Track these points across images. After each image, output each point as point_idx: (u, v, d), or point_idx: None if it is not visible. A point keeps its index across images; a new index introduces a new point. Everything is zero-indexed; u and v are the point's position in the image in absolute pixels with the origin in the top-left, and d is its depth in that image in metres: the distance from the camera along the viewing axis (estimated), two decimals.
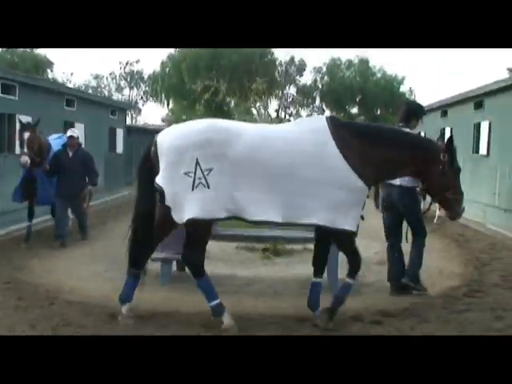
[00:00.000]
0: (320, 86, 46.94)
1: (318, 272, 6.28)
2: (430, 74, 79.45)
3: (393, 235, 7.61)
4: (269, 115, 69.09)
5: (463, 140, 15.98)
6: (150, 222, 5.99)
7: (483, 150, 16.20)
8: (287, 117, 70.56)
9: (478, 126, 16.77)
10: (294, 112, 69.12)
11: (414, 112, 7.51)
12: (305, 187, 5.61)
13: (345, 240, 6.04)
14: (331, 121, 5.91)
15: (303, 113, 67.92)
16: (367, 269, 8.66)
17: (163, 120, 66.63)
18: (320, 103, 48.67)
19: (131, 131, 26.30)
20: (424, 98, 71.83)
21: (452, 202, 6.23)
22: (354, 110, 45.12)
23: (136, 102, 69.13)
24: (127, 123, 40.61)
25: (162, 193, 5.56)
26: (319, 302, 6.18)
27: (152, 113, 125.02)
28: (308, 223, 5.81)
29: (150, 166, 5.78)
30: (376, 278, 8.10)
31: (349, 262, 6.11)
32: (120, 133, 22.63)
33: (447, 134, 16.83)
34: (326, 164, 5.64)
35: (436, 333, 5.65)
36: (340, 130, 5.84)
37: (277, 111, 73.59)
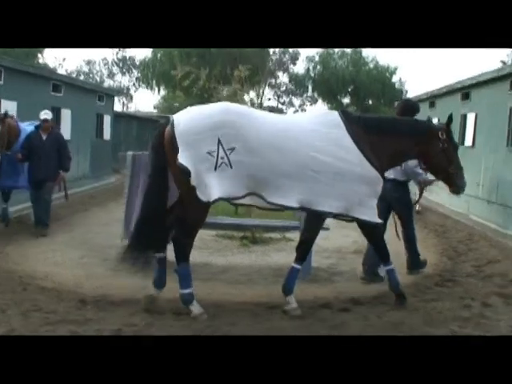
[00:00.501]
0: (312, 76, 46.89)
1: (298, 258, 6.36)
2: (422, 64, 79.44)
3: None
4: (260, 104, 68.83)
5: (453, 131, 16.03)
6: (164, 201, 5.93)
7: (469, 141, 16.29)
8: (280, 106, 70.86)
9: (464, 118, 16.86)
10: (287, 101, 69.38)
11: (411, 109, 7.83)
12: (322, 176, 5.86)
13: (372, 230, 6.44)
14: (344, 115, 6.22)
15: (296, 102, 68.16)
16: (342, 257, 8.79)
17: (155, 107, 66.71)
18: (312, 93, 48.84)
19: (119, 118, 26.23)
20: (414, 89, 71.70)
21: (455, 177, 6.70)
22: (346, 100, 45.31)
23: (128, 89, 69.00)
24: (118, 109, 40.59)
25: (186, 172, 5.49)
26: (293, 288, 6.25)
27: (144, 99, 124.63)
28: (322, 211, 6.00)
29: (163, 147, 5.75)
30: (350, 267, 8.18)
31: (378, 251, 6.63)
32: (107, 119, 22.56)
33: None
34: (342, 156, 5.93)
35: (404, 320, 5.73)
36: (353, 123, 6.15)
37: (269, 99, 73.73)
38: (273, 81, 63.66)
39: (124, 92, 67.53)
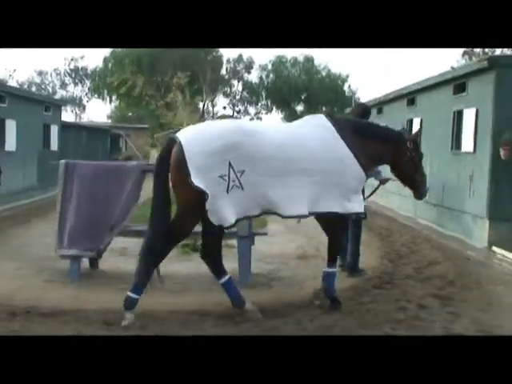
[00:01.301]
0: (265, 84, 47.19)
1: None
2: (373, 71, 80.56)
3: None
4: (213, 113, 69.00)
5: None
6: (169, 217, 6.02)
7: None
8: (235, 114, 70.92)
9: (410, 123, 17.08)
10: (243, 109, 69.59)
11: (363, 112, 8.32)
12: (324, 180, 6.15)
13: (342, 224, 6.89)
14: (331, 119, 6.53)
15: (251, 110, 68.39)
16: (285, 263, 8.76)
17: (109, 117, 66.13)
18: (265, 101, 49.14)
19: (68, 128, 25.84)
20: (367, 96, 72.65)
21: (419, 184, 7.21)
22: (300, 108, 45.73)
23: (80, 99, 68.23)
24: (70, 120, 40.07)
25: (202, 194, 5.60)
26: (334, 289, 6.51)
27: (98, 110, 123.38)
28: (328, 211, 6.25)
29: (168, 168, 5.79)
30: (291, 273, 8.15)
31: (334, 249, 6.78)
32: (55, 129, 22.19)
33: None
34: (337, 157, 6.26)
35: (337, 323, 5.74)
36: (341, 126, 6.46)
37: (224, 107, 73.91)
38: (228, 89, 64.03)
39: (76, 102, 66.86)
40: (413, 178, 7.11)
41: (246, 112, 68.89)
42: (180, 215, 5.97)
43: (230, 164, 5.68)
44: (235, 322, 5.85)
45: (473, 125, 12.66)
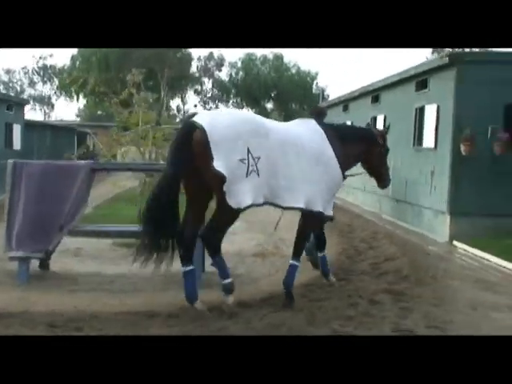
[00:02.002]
0: (235, 82, 47.09)
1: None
2: (343, 68, 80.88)
3: None
4: (183, 111, 68.50)
5: None
6: (177, 206, 6.09)
7: None
8: None
9: (374, 120, 17.13)
10: (214, 107, 69.36)
11: (319, 113, 8.15)
12: (315, 179, 6.62)
13: (320, 223, 7.34)
14: (319, 123, 7.09)
15: (222, 108, 68.17)
16: (241, 261, 8.69)
17: (77, 115, 65.41)
18: (235, 98, 49.02)
19: (32, 127, 25.45)
20: (334, 93, 73.01)
21: (384, 175, 8.03)
22: (270, 105, 45.75)
23: (49, 97, 67.47)
24: (35, 119, 39.47)
25: (221, 178, 5.76)
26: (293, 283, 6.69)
27: (68, 108, 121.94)
28: (316, 211, 6.70)
29: (189, 152, 5.83)
30: (246, 270, 8.08)
31: (319, 238, 7.57)
32: (17, 128, 21.81)
33: None
34: (326, 160, 6.77)
35: (285, 321, 5.67)
36: (327, 130, 6.99)
37: (195, 106, 73.65)
38: (198, 87, 63.83)
39: (45, 101, 66.09)
40: (380, 170, 7.90)
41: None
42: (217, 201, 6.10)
43: (248, 150, 5.91)
44: (183, 323, 5.74)
45: (434, 121, 12.75)
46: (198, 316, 5.94)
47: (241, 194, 5.91)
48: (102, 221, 10.73)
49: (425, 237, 12.35)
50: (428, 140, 13.12)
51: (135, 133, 9.68)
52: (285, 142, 6.33)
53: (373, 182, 15.75)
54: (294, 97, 42.06)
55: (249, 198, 5.99)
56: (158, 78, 15.65)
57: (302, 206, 6.51)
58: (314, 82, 43.81)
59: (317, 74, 43.01)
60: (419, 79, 13.71)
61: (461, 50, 16.67)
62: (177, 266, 7.84)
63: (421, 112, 13.64)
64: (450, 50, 17.69)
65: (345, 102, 20.65)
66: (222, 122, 5.97)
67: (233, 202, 5.92)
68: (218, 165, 5.73)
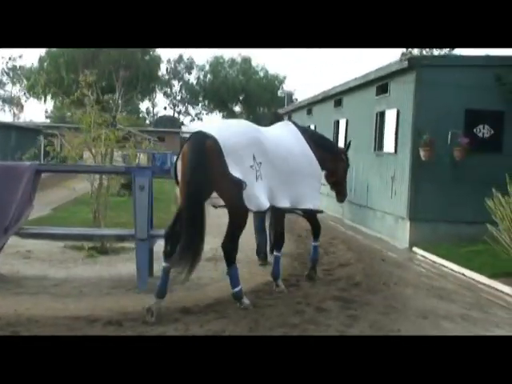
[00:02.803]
0: (203, 84, 46.87)
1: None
2: (310, 72, 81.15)
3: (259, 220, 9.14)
4: (153, 113, 67.83)
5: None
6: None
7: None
8: (176, 115, 70.42)
9: (337, 124, 17.06)
10: (183, 110, 69.07)
11: (279, 119, 9.47)
12: (300, 179, 7.14)
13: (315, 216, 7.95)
14: (297, 127, 7.77)
15: (192, 111, 67.91)
16: None
17: (47, 117, 64.53)
18: (203, 101, 48.78)
19: None
20: (303, 96, 73.26)
21: (344, 189, 8.65)
22: (237, 109, 45.54)
23: (19, 98, 66.49)
24: (7, 120, 38.75)
25: (240, 183, 6.11)
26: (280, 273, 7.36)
27: (37, 110, 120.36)
28: (304, 208, 7.38)
29: (207, 161, 6.02)
30: (195, 276, 7.81)
31: (279, 237, 7.66)
32: None
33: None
34: (308, 160, 7.36)
35: (226, 328, 5.51)
36: (304, 133, 7.64)
37: (165, 108, 73.19)
38: (168, 90, 63.44)
39: (14, 102, 65.13)
40: (342, 184, 8.48)
41: (187, 112, 68.67)
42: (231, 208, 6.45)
43: (253, 156, 6.34)
44: (122, 329, 5.53)
45: (394, 126, 12.68)
46: (137, 321, 5.73)
47: (257, 197, 6.35)
48: (59, 223, 10.48)
49: (385, 243, 12.29)
50: (388, 145, 13.06)
51: (87, 134, 9.43)
52: (276, 146, 6.81)
53: None
54: (262, 100, 41.97)
55: (265, 201, 6.51)
56: (113, 78, 15.32)
57: (287, 205, 7.03)
58: (278, 86, 43.83)
59: (285, 77, 43.23)
60: (380, 83, 13.64)
61: (421, 53, 16.66)
62: (124, 269, 7.69)
63: (381, 116, 13.59)
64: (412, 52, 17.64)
65: (309, 106, 20.57)
66: (230, 131, 6.38)
67: (253, 206, 6.37)
68: (234, 172, 6.06)
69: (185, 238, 6.02)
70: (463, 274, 9.28)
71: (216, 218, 13.55)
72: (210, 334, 5.35)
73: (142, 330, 5.48)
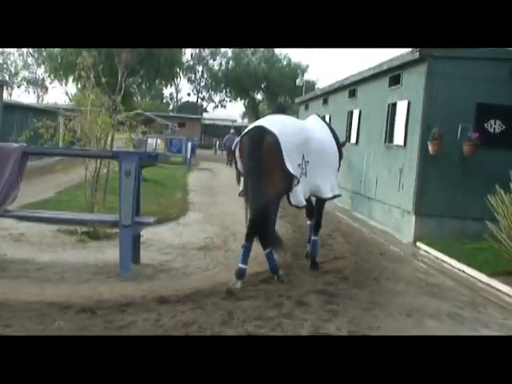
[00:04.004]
0: (225, 71, 46.72)
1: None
2: (334, 61, 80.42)
3: None
4: (176, 99, 67.49)
5: (340, 129, 16.02)
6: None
7: (353, 138, 16.29)
8: (200, 101, 70.44)
9: (350, 115, 16.85)
10: (207, 96, 69.02)
11: (283, 111, 8.81)
12: (330, 171, 7.92)
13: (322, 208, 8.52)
14: (323, 120, 8.74)
15: (216, 98, 67.82)
16: (182, 254, 8.42)
17: (71, 99, 64.87)
18: (225, 88, 48.64)
19: (12, 109, 25.08)
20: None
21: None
22: (259, 97, 45.42)
23: (43, 80, 66.97)
24: (32, 102, 38.96)
25: (292, 178, 6.94)
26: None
27: (60, 92, 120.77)
28: (335, 195, 8.24)
29: (262, 152, 6.70)
30: (183, 264, 7.81)
31: (317, 223, 8.36)
32: None
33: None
34: (334, 153, 8.16)
35: (198, 319, 5.44)
36: (328, 127, 8.49)
37: (189, 94, 73.27)
38: (192, 75, 63.44)
39: (38, 83, 65.67)
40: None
41: (211, 99, 68.65)
42: (272, 196, 6.91)
43: (303, 155, 7.05)
44: (94, 317, 5.49)
45: (404, 118, 12.46)
46: (110, 309, 5.68)
47: (299, 194, 7.08)
48: (57, 206, 10.52)
49: (390, 236, 12.14)
50: (398, 137, 12.84)
51: (82, 116, 9.39)
52: (317, 142, 7.46)
53: (345, 178, 15.80)
54: (284, 89, 41.76)
55: (303, 198, 7.23)
56: (113, 61, 15.16)
57: (331, 195, 7.97)
58: (299, 75, 43.46)
59: (307, 66, 42.88)
60: (392, 74, 13.42)
61: None
62: (111, 255, 7.66)
63: (393, 108, 13.35)
64: None
65: (325, 96, 20.36)
66: (287, 130, 6.93)
67: (293, 200, 7.12)
68: (290, 167, 6.79)
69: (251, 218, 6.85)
70: (463, 271, 9.12)
71: (220, 206, 13.68)
72: (180, 325, 5.27)
73: (113, 319, 5.41)
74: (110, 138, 9.87)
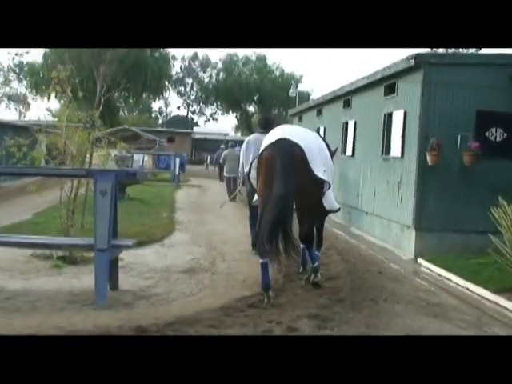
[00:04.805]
0: (215, 83, 46.71)
1: None
2: (329, 71, 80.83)
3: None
4: (166, 113, 67.33)
5: (335, 140, 15.89)
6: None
7: (349, 150, 16.16)
8: (190, 115, 70.42)
9: (346, 126, 16.72)
10: (198, 110, 68.99)
11: (272, 122, 9.73)
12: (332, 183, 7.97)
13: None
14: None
15: (207, 111, 67.80)
16: (166, 278, 8.19)
17: (54, 115, 64.83)
18: (216, 100, 48.61)
19: None
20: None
21: None
22: (251, 109, 45.36)
23: (25, 96, 66.89)
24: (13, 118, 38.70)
25: (324, 184, 7.55)
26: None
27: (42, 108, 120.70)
28: (335, 210, 8.34)
29: (296, 166, 7.07)
30: (166, 289, 7.56)
31: (320, 237, 8.74)
32: None
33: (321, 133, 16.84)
34: (332, 168, 8.28)
35: None
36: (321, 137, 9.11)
37: (178, 108, 73.17)
38: (182, 88, 63.44)
39: (20, 100, 65.54)
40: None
41: (202, 112, 68.65)
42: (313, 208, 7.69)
43: (323, 163, 7.55)
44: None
45: (401, 128, 12.31)
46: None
47: (331, 197, 7.81)
48: (34, 229, 10.32)
49: (390, 253, 11.96)
50: (395, 148, 12.68)
51: (57, 133, 9.21)
52: (326, 151, 8.09)
53: (342, 192, 15.65)
54: (278, 100, 41.71)
55: (336, 202, 8.01)
56: (94, 75, 14.98)
57: (338, 206, 8.32)
58: (292, 86, 43.48)
59: (301, 76, 42.87)
60: (387, 83, 13.29)
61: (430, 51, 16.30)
62: (88, 282, 7.43)
63: (389, 118, 13.21)
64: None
65: (318, 107, 20.25)
66: (307, 139, 7.49)
67: (327, 205, 7.79)
68: (320, 173, 7.28)
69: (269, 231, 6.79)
70: (467, 289, 8.94)
71: (208, 225, 13.50)
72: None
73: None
74: (88, 156, 9.66)
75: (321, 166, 7.38)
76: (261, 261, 7.08)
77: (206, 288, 7.69)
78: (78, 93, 9.70)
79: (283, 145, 7.14)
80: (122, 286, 7.49)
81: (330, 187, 7.63)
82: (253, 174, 7.95)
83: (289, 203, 7.06)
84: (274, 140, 7.31)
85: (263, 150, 7.39)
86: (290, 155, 7.03)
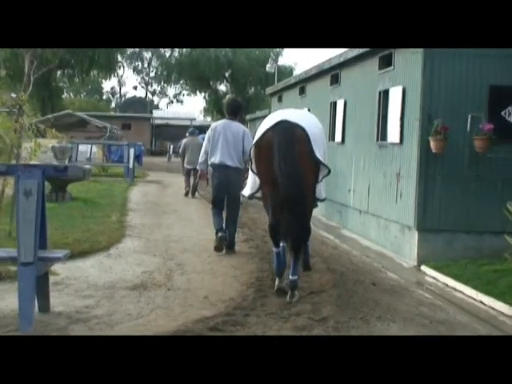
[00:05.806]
0: (178, 57, 46.58)
1: None
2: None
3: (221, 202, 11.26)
4: (120, 94, 66.97)
5: (322, 124, 15.87)
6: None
7: (338, 136, 16.16)
8: (149, 96, 70.21)
9: (334, 106, 16.72)
10: (158, 90, 68.80)
11: (240, 108, 10.68)
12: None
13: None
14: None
15: (170, 91, 67.63)
16: (109, 296, 8.06)
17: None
18: (179, 79, 48.40)
19: None
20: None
21: None
22: (223, 88, 45.16)
23: None
24: None
25: (321, 165, 8.32)
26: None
27: None
28: (322, 199, 9.14)
29: (296, 145, 7.88)
30: (108, 310, 7.31)
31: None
32: None
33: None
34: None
35: None
36: None
37: (135, 88, 72.92)
38: (138, 64, 63.38)
39: None
40: None
41: (164, 93, 68.50)
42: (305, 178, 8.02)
43: (324, 145, 8.57)
44: None
45: (399, 108, 12.29)
46: None
47: (321, 186, 8.68)
48: None
49: (389, 260, 12.07)
50: (393, 133, 12.67)
51: None
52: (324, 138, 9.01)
53: (333, 189, 15.60)
54: (254, 77, 41.43)
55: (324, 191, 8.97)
56: (23, 54, 14.69)
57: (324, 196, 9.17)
58: (271, 60, 43.26)
59: (282, 48, 42.50)
60: (383, 54, 13.24)
61: None
62: (14, 302, 7.26)
63: (385, 96, 13.21)
64: None
65: (301, 84, 20.22)
66: (308, 121, 8.40)
67: (317, 193, 8.59)
68: (320, 156, 8.12)
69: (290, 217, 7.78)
70: (481, 302, 9.01)
71: (166, 230, 13.43)
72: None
73: None
74: (14, 148, 9.52)
75: (322, 149, 8.29)
76: (274, 250, 8.40)
77: (159, 308, 7.55)
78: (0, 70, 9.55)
79: (284, 127, 8.02)
80: (55, 307, 7.33)
81: (329, 172, 8.47)
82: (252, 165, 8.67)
83: (301, 182, 7.81)
84: (274, 123, 8.19)
85: (264, 134, 8.24)
86: (291, 136, 7.90)
